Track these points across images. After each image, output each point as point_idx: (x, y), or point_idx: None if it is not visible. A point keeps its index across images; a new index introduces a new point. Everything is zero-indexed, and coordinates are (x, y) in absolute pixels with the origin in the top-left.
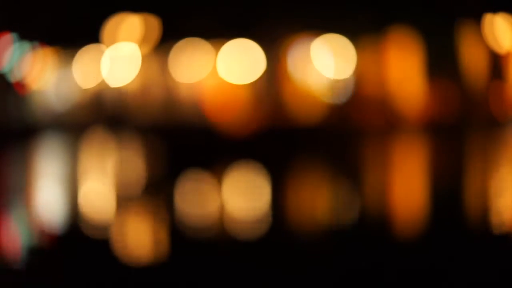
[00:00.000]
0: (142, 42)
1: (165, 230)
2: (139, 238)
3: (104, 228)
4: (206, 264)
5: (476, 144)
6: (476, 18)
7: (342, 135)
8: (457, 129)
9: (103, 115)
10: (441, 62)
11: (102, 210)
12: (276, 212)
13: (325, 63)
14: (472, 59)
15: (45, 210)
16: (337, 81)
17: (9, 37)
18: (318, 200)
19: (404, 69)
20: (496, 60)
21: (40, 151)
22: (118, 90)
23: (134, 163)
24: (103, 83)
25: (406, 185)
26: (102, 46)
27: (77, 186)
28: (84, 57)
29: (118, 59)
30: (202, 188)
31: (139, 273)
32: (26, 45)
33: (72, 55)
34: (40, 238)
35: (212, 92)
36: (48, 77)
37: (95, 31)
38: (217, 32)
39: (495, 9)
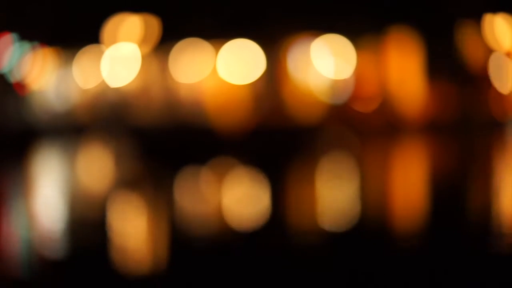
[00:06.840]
0: (142, 42)
1: (163, 232)
2: (138, 239)
3: (103, 229)
4: (205, 265)
5: (476, 144)
6: (476, 18)
7: (342, 135)
8: (457, 129)
9: (103, 116)
10: (441, 62)
11: (101, 210)
12: (275, 213)
13: (325, 63)
14: (472, 59)
15: (43, 212)
16: (337, 81)
17: (9, 37)
18: (318, 200)
19: (404, 69)
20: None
21: (39, 151)
22: (118, 90)
23: (133, 163)
24: (103, 83)
25: (406, 184)
26: (102, 46)
27: (76, 187)
28: (84, 57)
29: (118, 60)
30: (200, 188)
31: (137, 276)
32: (26, 45)
33: (72, 55)
34: (39, 242)
35: (212, 92)
36: (48, 77)
37: (95, 31)
38: (217, 32)
39: (495, 9)
